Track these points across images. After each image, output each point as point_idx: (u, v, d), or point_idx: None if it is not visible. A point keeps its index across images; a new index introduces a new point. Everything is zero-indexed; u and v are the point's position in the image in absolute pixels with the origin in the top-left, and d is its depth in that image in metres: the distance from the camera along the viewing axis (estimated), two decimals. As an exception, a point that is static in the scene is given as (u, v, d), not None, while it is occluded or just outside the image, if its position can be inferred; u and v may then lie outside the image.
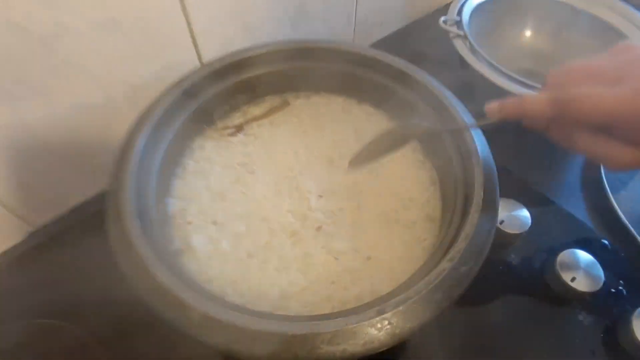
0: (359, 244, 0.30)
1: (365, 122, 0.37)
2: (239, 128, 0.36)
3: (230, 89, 0.35)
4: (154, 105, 0.30)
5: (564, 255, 0.35)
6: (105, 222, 0.26)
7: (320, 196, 0.33)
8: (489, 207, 0.25)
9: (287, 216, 0.31)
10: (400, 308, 0.21)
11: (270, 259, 0.29)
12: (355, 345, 0.20)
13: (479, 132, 0.29)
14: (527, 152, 0.47)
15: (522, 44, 0.54)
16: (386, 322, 0.21)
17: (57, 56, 0.32)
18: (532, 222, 0.37)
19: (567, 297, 0.35)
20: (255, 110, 0.37)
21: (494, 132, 0.30)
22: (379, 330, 0.21)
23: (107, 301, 0.33)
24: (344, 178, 0.33)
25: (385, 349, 0.21)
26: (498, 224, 0.37)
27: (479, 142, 0.28)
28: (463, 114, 0.30)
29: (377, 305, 0.22)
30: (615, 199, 0.41)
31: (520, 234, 0.37)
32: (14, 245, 0.39)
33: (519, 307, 0.36)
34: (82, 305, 0.34)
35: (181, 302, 0.22)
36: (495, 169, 0.27)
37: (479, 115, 0.26)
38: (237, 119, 0.37)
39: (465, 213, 0.25)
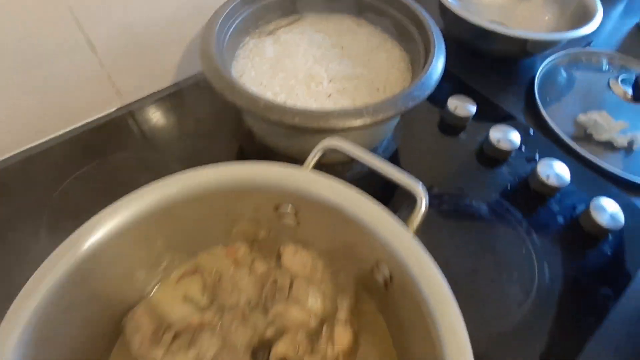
0: (357, 102, 0.45)
1: (364, 34, 0.53)
2: (271, 32, 0.52)
3: (270, 6, 0.50)
4: (221, 8, 0.45)
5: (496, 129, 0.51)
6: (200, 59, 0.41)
7: (330, 81, 0.48)
8: (437, 61, 0.41)
9: (308, 90, 0.47)
10: (377, 106, 0.37)
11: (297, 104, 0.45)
12: (350, 122, 0.36)
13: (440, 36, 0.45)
14: (488, 74, 0.62)
15: (488, 3, 0.70)
16: (370, 111, 0.37)
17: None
18: (476, 112, 0.53)
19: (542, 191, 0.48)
20: (283, 21, 0.53)
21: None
22: (364, 115, 0.37)
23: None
24: (347, 69, 0.49)
25: (366, 126, 0.36)
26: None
27: (437, 37, 0.44)
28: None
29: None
30: (544, 107, 0.57)
31: (468, 117, 0.53)
32: (106, 114, 0.54)
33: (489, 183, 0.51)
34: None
35: (253, 97, 0.37)
36: (444, 46, 0.43)
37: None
38: (271, 26, 0.52)
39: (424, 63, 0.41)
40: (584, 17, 0.58)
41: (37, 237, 0.43)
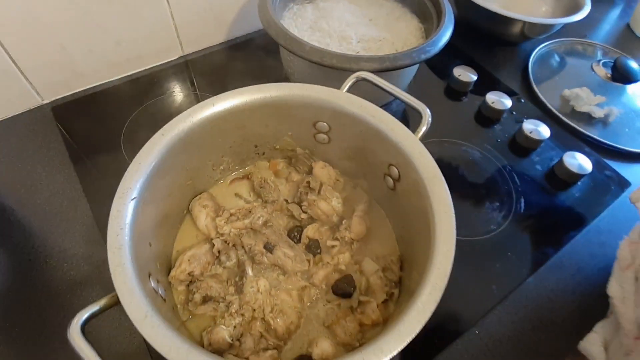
0: (378, 59, 0.56)
1: (389, 8, 0.63)
2: (311, 1, 0.62)
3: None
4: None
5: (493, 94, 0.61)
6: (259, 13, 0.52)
7: (359, 42, 0.58)
8: (447, 28, 0.51)
9: (340, 47, 0.57)
10: (397, 56, 0.47)
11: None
12: (375, 65, 0.46)
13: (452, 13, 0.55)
14: (491, 52, 0.72)
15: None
16: (391, 58, 0.47)
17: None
18: (476, 80, 0.63)
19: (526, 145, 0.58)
20: (323, -8, 0.63)
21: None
22: (386, 61, 0.47)
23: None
24: (373, 33, 0.59)
25: (388, 69, 0.47)
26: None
27: (448, 13, 0.54)
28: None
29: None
30: (535, 82, 0.67)
31: (470, 83, 0.63)
32: (169, 61, 0.65)
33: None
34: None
35: (301, 41, 0.48)
36: (453, 20, 0.53)
37: None
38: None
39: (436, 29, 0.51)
40: (575, 9, 0.68)
41: (117, 147, 0.54)
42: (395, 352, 0.27)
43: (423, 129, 0.39)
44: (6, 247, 0.46)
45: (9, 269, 0.44)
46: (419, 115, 0.40)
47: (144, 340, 0.27)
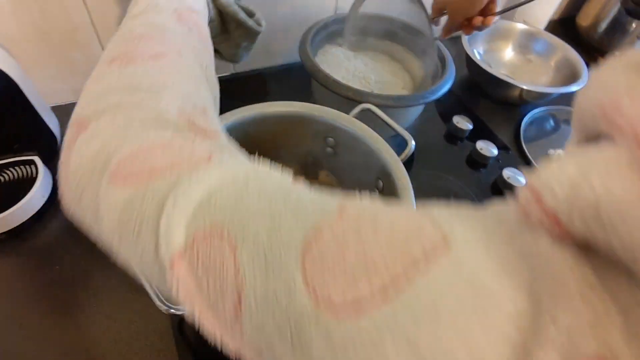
0: (388, 98, 0.68)
1: (406, 61, 0.76)
2: (341, 45, 0.76)
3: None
4: (316, 23, 0.70)
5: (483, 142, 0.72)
6: (299, 50, 0.66)
7: (375, 82, 0.71)
8: (446, 82, 0.63)
9: (360, 85, 0.70)
10: (399, 97, 0.59)
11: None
12: (382, 101, 0.58)
13: (453, 72, 0.67)
14: (491, 109, 0.83)
15: (504, 61, 0.92)
16: (395, 98, 0.59)
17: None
18: (472, 129, 0.74)
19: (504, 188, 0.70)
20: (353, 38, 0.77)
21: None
22: (390, 100, 0.59)
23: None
24: (387, 77, 0.72)
25: (390, 106, 0.59)
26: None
27: (450, 72, 0.66)
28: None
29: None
30: (524, 139, 0.77)
31: (466, 131, 0.74)
32: (221, 76, 0.80)
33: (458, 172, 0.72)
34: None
35: (327, 75, 0.61)
36: (453, 77, 0.65)
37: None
38: (344, 42, 0.77)
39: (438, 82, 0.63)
40: (573, 80, 0.79)
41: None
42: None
43: (406, 152, 0.50)
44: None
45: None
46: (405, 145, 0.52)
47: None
